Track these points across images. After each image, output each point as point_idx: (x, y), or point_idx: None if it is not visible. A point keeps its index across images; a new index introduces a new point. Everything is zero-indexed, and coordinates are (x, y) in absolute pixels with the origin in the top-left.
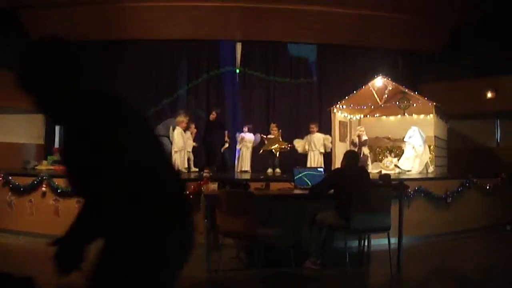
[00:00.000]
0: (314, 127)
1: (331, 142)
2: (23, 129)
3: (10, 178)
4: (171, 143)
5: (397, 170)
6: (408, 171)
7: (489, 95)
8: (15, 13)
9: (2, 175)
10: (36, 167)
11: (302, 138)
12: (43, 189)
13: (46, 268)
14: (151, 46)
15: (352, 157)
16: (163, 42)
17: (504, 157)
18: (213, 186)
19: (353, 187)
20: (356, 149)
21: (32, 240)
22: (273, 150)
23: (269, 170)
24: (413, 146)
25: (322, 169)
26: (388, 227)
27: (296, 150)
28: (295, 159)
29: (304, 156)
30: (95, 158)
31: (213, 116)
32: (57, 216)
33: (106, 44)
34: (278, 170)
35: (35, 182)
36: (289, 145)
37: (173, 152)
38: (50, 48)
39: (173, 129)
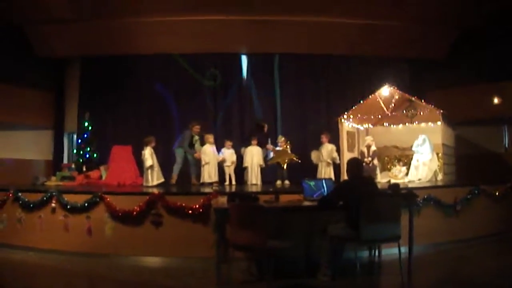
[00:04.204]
0: (324, 138)
1: (337, 151)
2: (32, 146)
3: (20, 194)
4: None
5: (406, 179)
6: (419, 179)
7: (496, 100)
8: (21, 29)
9: (11, 191)
10: (45, 183)
11: (312, 149)
12: (53, 205)
13: (55, 283)
14: (156, 60)
15: (356, 166)
16: (168, 56)
17: None
18: (223, 199)
19: (361, 197)
20: (365, 159)
21: (42, 256)
22: (280, 162)
23: (278, 182)
24: (418, 156)
25: (331, 180)
26: (398, 236)
27: (309, 161)
28: (305, 170)
29: (314, 167)
30: None
31: (266, 128)
32: (67, 231)
33: (111, 59)
34: (287, 182)
35: (45, 198)
36: (298, 157)
37: (203, 163)
38: None
39: (189, 140)
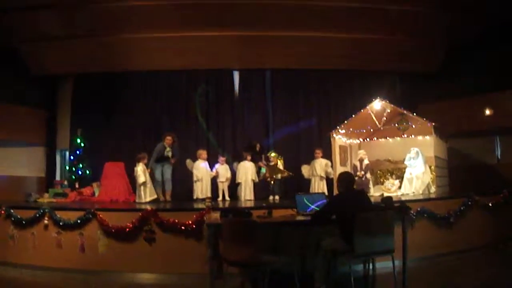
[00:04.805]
0: (318, 153)
1: (332, 167)
2: (24, 162)
3: (12, 211)
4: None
5: (399, 192)
6: (412, 192)
7: (488, 112)
8: (15, 47)
9: (4, 208)
10: (37, 200)
11: (305, 164)
12: (45, 222)
13: None
14: (148, 77)
15: (347, 180)
16: (160, 73)
17: (505, 174)
18: (216, 215)
19: (354, 211)
20: (358, 173)
21: (35, 273)
22: (270, 178)
23: (270, 198)
24: (411, 169)
25: (324, 195)
26: (392, 249)
27: (302, 176)
28: (299, 185)
29: (308, 182)
30: None
31: (258, 147)
32: (60, 248)
33: (104, 76)
34: (277, 197)
35: (37, 215)
36: (288, 173)
37: (195, 179)
38: None
39: (161, 153)
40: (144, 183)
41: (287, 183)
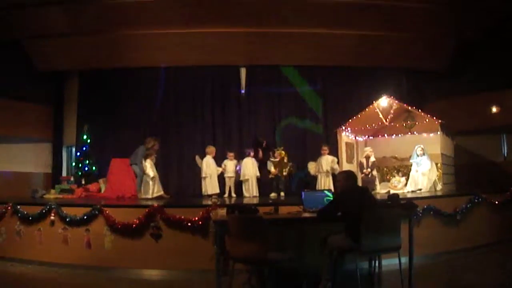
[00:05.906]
0: (325, 149)
1: (338, 163)
2: (30, 158)
3: (19, 207)
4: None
5: (405, 189)
6: (418, 189)
7: (494, 110)
8: (19, 44)
9: (10, 204)
10: (44, 196)
11: (313, 161)
12: (52, 218)
13: None
14: (154, 73)
15: (350, 177)
16: (167, 69)
17: (511, 171)
18: (222, 211)
19: (361, 208)
20: (364, 170)
21: (41, 269)
22: (280, 173)
23: (273, 194)
24: (417, 167)
25: (330, 191)
26: (398, 246)
27: (309, 172)
28: (305, 182)
29: (314, 178)
30: None
31: (265, 144)
32: (66, 244)
33: (110, 72)
34: (282, 193)
35: (44, 211)
36: (292, 165)
37: (203, 176)
38: None
39: (143, 156)
40: (153, 179)
41: (294, 180)
